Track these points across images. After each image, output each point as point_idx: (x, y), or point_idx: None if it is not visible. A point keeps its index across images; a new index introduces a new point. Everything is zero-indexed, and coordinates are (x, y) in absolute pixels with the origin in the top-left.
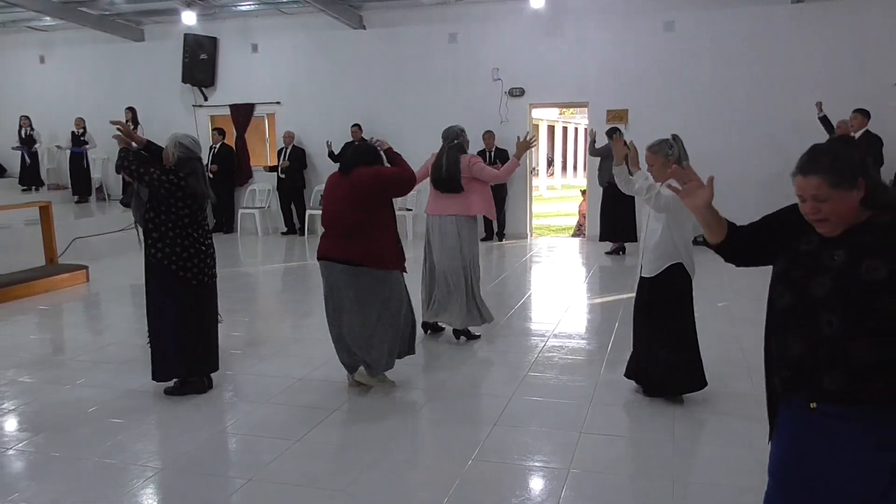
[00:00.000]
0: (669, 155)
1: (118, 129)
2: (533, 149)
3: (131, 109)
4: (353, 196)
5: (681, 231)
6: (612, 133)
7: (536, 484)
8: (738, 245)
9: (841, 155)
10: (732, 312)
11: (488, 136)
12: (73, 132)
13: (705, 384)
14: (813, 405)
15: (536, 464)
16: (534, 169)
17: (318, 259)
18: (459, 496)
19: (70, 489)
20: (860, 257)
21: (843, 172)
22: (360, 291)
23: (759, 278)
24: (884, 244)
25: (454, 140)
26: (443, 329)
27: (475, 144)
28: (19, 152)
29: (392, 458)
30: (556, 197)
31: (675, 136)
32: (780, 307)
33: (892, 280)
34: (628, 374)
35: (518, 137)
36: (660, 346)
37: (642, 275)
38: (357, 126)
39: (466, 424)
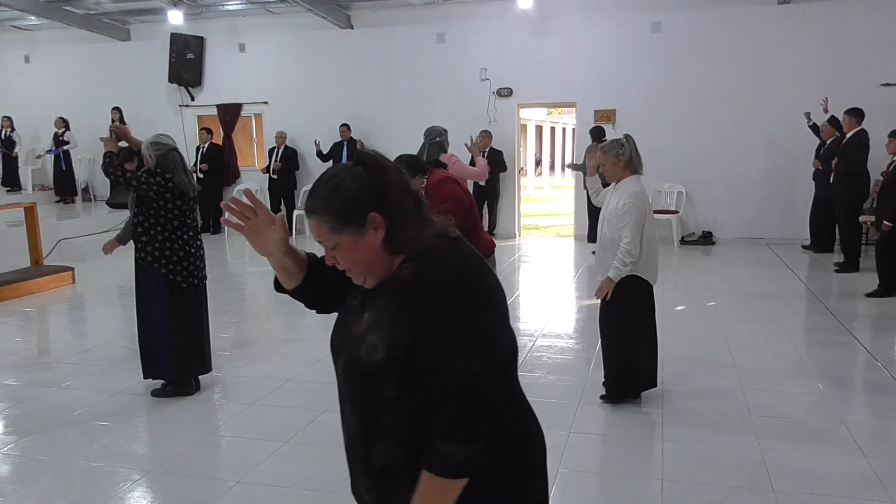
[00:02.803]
0: (620, 155)
1: (112, 129)
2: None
3: (118, 110)
4: None
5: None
6: (596, 133)
7: None
8: (317, 289)
9: (340, 186)
10: (721, 312)
11: (484, 135)
12: (54, 133)
13: (652, 386)
14: None
15: None
16: (522, 169)
17: (490, 254)
18: None
19: (57, 493)
20: (371, 326)
21: (343, 210)
22: None
23: (750, 278)
24: (388, 311)
25: (436, 138)
26: None
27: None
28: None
29: None
30: (544, 197)
31: (627, 136)
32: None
33: (390, 364)
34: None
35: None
36: (614, 347)
37: (599, 277)
38: (346, 126)
39: None
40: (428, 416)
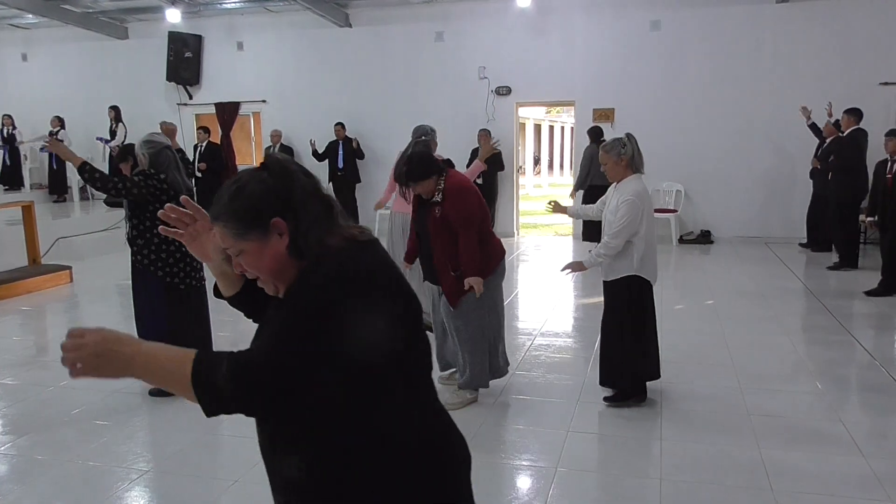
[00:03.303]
0: (622, 154)
1: (47, 143)
2: (519, 148)
3: (115, 108)
4: None
5: (638, 238)
6: (594, 133)
7: (524, 483)
8: (255, 298)
9: (242, 191)
10: (719, 311)
11: (483, 134)
12: (49, 131)
13: (646, 388)
14: None
15: (524, 463)
16: (520, 167)
17: (502, 259)
18: None
19: (55, 492)
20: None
21: (245, 215)
22: None
23: (749, 277)
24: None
25: (422, 136)
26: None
27: (471, 143)
28: (1, 152)
29: None
30: (543, 195)
31: (629, 135)
32: None
33: None
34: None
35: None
36: (617, 348)
37: (602, 278)
38: (340, 125)
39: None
40: (335, 427)
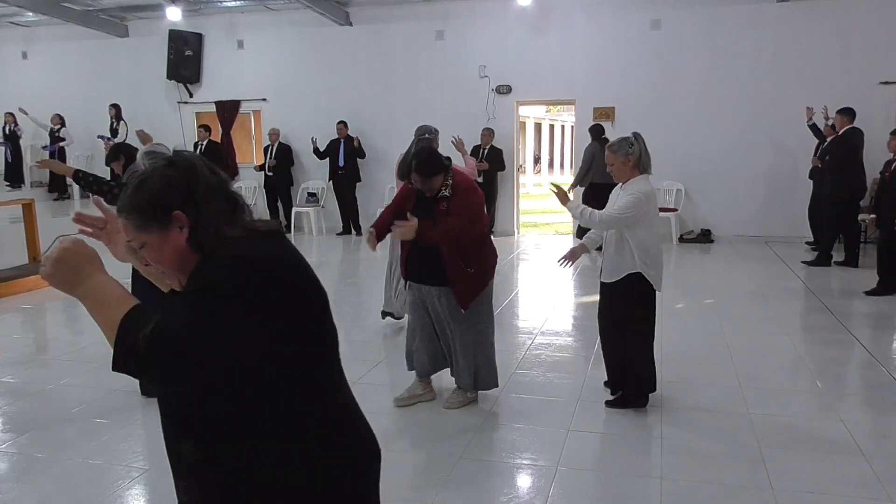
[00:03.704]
0: (630, 154)
1: (38, 164)
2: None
3: (115, 106)
4: None
5: (638, 239)
6: (595, 131)
7: (524, 482)
8: None
9: (144, 184)
10: (719, 310)
11: (486, 133)
12: (50, 129)
13: (653, 390)
14: None
15: (524, 462)
16: (521, 166)
17: (495, 264)
18: (447, 495)
19: (54, 490)
20: None
21: (146, 208)
22: None
23: (748, 276)
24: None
25: (424, 135)
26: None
27: (471, 141)
28: (2, 149)
29: None
30: (543, 194)
31: (636, 135)
32: None
33: None
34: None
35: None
36: (623, 349)
37: (602, 280)
38: (342, 123)
39: (453, 423)
40: (226, 413)
